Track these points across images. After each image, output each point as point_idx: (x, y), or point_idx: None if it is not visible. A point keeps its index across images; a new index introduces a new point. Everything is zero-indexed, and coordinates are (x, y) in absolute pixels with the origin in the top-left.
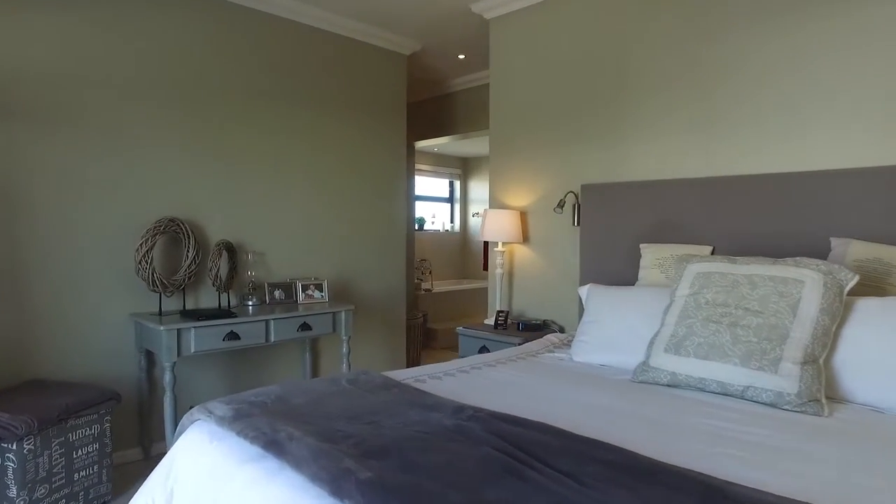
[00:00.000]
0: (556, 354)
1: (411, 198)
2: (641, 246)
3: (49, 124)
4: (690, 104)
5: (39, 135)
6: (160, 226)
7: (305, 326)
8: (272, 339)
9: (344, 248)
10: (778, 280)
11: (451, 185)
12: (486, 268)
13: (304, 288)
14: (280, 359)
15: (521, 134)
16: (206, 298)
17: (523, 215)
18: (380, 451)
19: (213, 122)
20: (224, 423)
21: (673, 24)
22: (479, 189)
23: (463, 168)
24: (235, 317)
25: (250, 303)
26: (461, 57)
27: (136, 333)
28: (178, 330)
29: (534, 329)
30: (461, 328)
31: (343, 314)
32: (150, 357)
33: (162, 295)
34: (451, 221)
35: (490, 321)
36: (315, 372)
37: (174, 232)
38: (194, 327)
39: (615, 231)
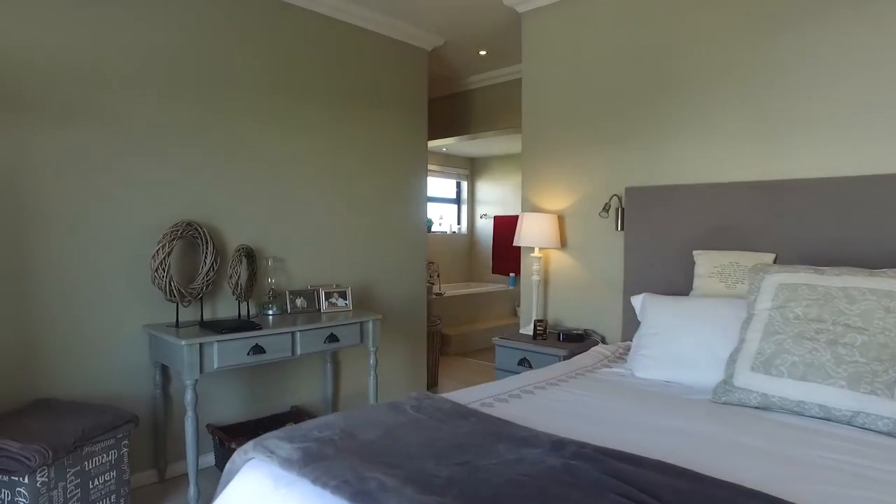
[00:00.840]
0: (613, 369)
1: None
2: (695, 253)
3: (59, 120)
4: (745, 102)
5: (49, 131)
6: (177, 230)
7: (332, 338)
8: (298, 351)
9: (364, 253)
10: (881, 294)
11: (459, 185)
12: (495, 271)
13: (328, 296)
14: (299, 371)
15: (556, 133)
16: (224, 308)
17: (560, 219)
18: None
19: (230, 119)
20: (292, 466)
21: (727, 16)
22: (487, 190)
23: (470, 168)
24: (260, 328)
25: (270, 312)
26: (482, 53)
27: (150, 347)
28: (200, 344)
29: (575, 339)
30: (499, 339)
31: (371, 324)
32: (165, 372)
33: (179, 305)
34: (459, 223)
35: (526, 330)
36: (337, 386)
37: (191, 237)
38: (217, 341)
39: (663, 237)
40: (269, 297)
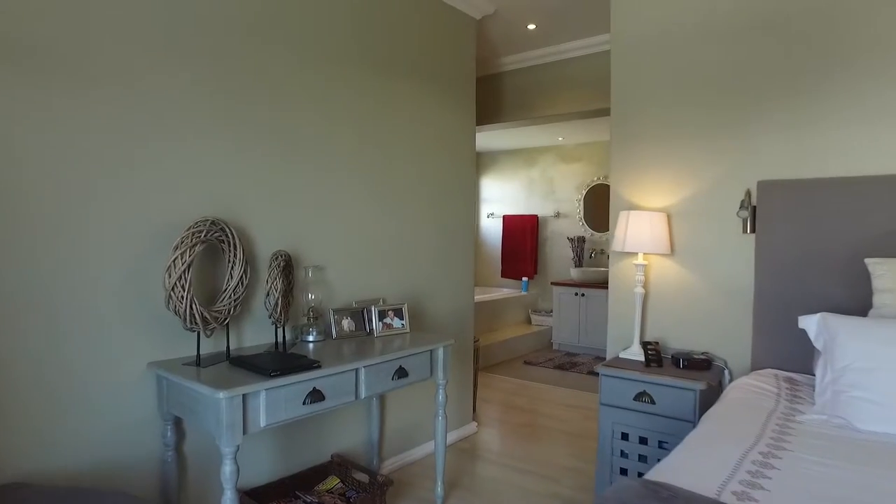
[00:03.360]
0: (810, 416)
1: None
2: (871, 262)
3: (46, 79)
4: None
5: (31, 94)
6: (200, 231)
7: (401, 373)
8: (362, 393)
9: (410, 259)
10: None
11: None
12: (505, 275)
13: (382, 315)
14: (338, 410)
15: (656, 114)
16: (251, 334)
17: (668, 219)
18: None
19: (258, 98)
20: None
21: None
22: (494, 187)
23: (475, 164)
24: (318, 365)
25: (311, 338)
26: (530, 27)
27: (159, 393)
28: (244, 396)
29: (698, 366)
30: (603, 368)
31: (441, 351)
32: (178, 425)
33: (201, 334)
34: None
35: (628, 354)
36: (383, 425)
37: (217, 240)
38: (266, 389)
39: (814, 241)
40: (310, 318)
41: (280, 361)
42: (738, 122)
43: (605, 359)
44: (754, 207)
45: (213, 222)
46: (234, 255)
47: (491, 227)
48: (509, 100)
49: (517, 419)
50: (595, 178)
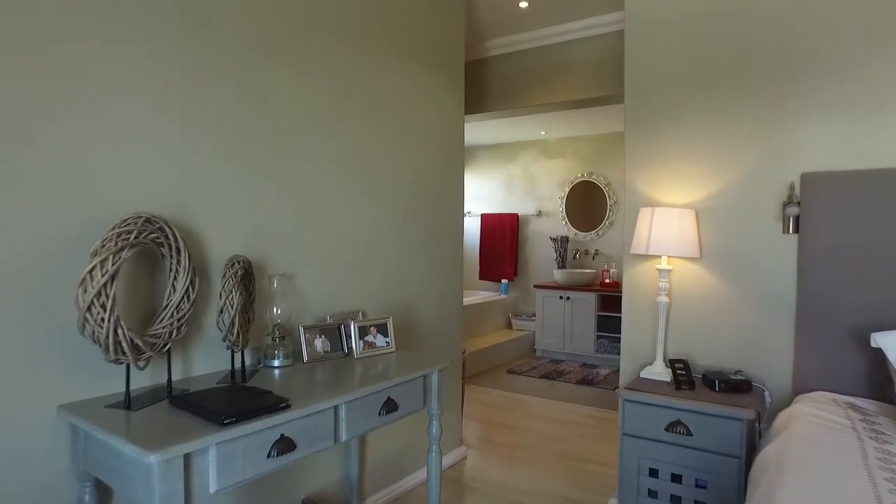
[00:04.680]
0: None
1: None
2: None
3: None
4: None
5: None
6: (128, 231)
7: (390, 405)
8: (343, 436)
9: (394, 264)
10: None
11: None
12: (483, 277)
13: (362, 332)
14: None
15: (676, 101)
16: (203, 358)
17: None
18: None
19: (216, 73)
20: None
21: None
22: (471, 184)
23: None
24: (286, 405)
25: (277, 362)
26: (523, 5)
27: (73, 446)
28: (188, 455)
29: (736, 389)
30: (627, 392)
31: (435, 377)
32: (102, 489)
33: (131, 366)
34: None
35: (652, 374)
36: (363, 461)
37: (155, 243)
38: (217, 444)
39: (875, 242)
40: (276, 338)
41: (237, 401)
42: (776, 105)
43: (593, 367)
44: (797, 204)
45: (147, 220)
46: (178, 262)
47: (468, 226)
48: (495, 88)
49: (508, 439)
50: (579, 175)
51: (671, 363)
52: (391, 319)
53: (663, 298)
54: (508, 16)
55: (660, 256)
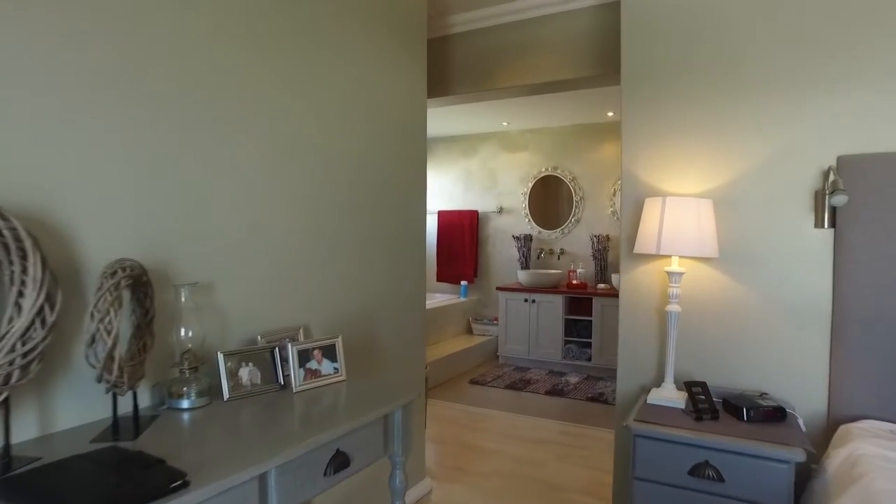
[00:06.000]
0: None
1: None
2: None
3: None
4: None
5: None
6: None
7: (341, 461)
8: None
9: (345, 269)
10: None
11: None
12: (441, 278)
13: (304, 357)
14: None
15: (683, 72)
16: (77, 403)
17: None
18: None
19: (100, 20)
20: None
21: None
22: (432, 178)
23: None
24: (185, 484)
25: (186, 402)
26: None
27: None
28: None
29: (766, 418)
30: (639, 425)
31: (399, 415)
32: None
33: None
34: None
35: (661, 399)
36: None
37: None
38: None
39: None
40: (185, 370)
41: (106, 482)
42: (808, 75)
43: (561, 375)
44: (843, 191)
45: None
46: (22, 271)
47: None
48: (458, 69)
49: (480, 466)
50: (543, 169)
51: (687, 386)
52: (340, 340)
53: (674, 308)
54: None
55: (669, 257)
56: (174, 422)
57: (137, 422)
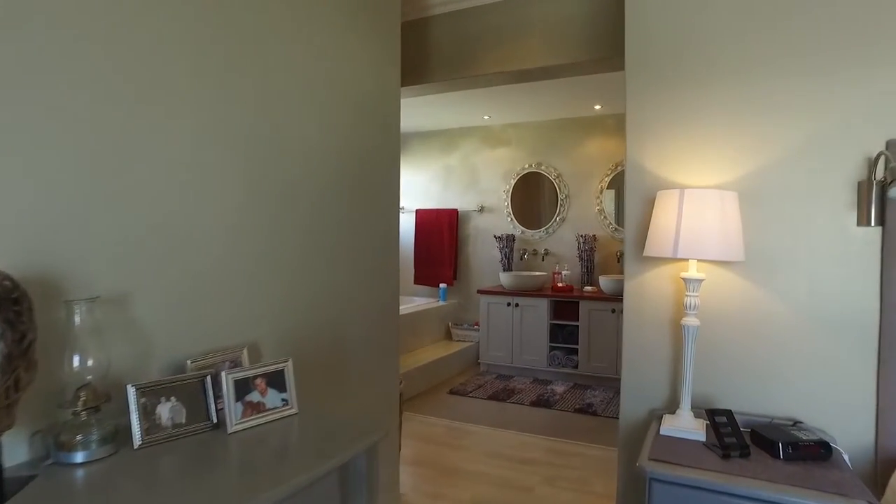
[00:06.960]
0: None
1: None
2: None
3: None
4: None
5: None
6: None
7: None
8: None
9: (300, 273)
10: None
11: None
12: (417, 281)
13: (241, 389)
14: None
15: (695, 47)
16: None
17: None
18: None
19: None
20: None
21: None
22: (402, 177)
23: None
24: None
25: (81, 456)
26: None
27: None
28: None
29: (810, 455)
30: (654, 467)
31: (363, 461)
32: None
33: None
34: None
35: (679, 430)
36: None
37: None
38: None
39: None
40: (80, 410)
41: None
42: (846, 44)
43: (547, 383)
44: (881, 183)
45: None
46: None
47: (401, 223)
48: (437, 55)
49: (461, 492)
50: (526, 166)
51: (709, 415)
52: (290, 364)
53: (692, 321)
54: None
55: (686, 260)
56: (61, 483)
57: (2, 486)
